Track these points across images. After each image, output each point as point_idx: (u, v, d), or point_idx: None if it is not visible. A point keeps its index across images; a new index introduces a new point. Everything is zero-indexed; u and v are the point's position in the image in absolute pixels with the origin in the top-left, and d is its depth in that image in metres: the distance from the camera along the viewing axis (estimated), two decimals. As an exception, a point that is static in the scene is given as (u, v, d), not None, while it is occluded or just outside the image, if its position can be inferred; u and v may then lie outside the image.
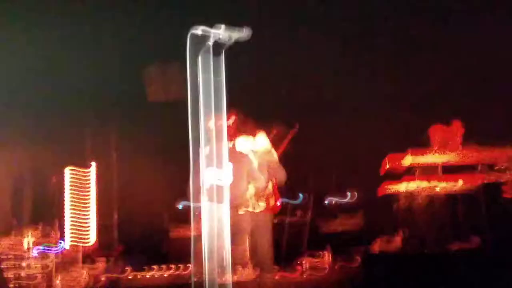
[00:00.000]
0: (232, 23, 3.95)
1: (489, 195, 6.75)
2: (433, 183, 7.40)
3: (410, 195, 7.45)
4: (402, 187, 7.45)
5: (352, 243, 7.90)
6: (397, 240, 7.53)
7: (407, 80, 8.85)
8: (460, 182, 7.29)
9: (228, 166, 4.52)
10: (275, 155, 5.75)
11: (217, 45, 3.79)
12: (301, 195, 8.43)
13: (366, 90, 8.88)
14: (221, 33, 3.80)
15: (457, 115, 7.85)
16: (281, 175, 5.69)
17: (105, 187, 8.34)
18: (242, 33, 3.86)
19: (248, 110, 6.09)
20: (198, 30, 3.81)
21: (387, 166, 7.51)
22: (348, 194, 8.84)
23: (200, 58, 3.79)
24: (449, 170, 7.56)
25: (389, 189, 7.51)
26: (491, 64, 8.38)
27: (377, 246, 7.61)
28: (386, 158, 7.53)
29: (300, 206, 8.34)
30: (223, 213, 4.04)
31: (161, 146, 8.45)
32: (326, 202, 8.84)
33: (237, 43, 3.89)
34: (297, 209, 8.29)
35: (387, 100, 8.79)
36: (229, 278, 3.94)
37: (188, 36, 3.82)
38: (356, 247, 7.68)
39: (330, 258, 7.38)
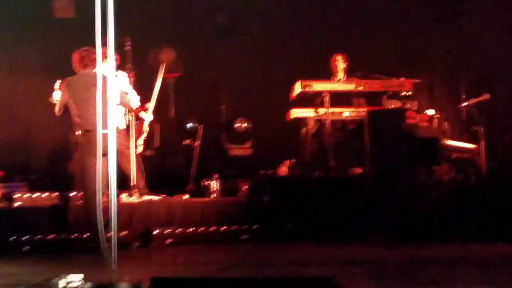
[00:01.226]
0: None
1: (393, 120, 6.94)
2: (340, 110, 7.76)
3: (318, 120, 7.75)
4: (311, 112, 7.74)
5: (252, 167, 8.19)
6: (297, 164, 7.83)
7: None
8: (364, 109, 7.60)
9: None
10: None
11: None
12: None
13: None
14: None
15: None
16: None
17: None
18: None
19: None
20: None
21: (297, 92, 7.71)
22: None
23: None
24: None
25: (297, 114, 7.82)
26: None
27: (279, 170, 7.89)
28: (296, 84, 7.73)
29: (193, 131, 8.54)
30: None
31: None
32: (236, 126, 8.90)
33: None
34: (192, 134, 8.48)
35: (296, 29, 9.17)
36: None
37: None
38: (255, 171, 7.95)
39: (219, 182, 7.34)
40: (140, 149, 6.86)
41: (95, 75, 4.89)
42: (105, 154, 3.87)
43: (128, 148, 6.28)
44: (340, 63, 8.08)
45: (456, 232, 6.10)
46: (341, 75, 8.11)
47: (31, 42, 8.55)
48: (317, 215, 6.63)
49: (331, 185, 7.06)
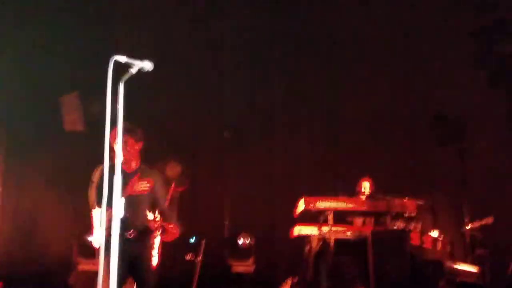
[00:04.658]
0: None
1: (396, 241, 6.98)
2: (344, 228, 7.70)
3: (321, 238, 7.64)
4: (314, 230, 7.67)
5: (255, 285, 8.16)
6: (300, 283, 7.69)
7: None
8: (370, 228, 7.57)
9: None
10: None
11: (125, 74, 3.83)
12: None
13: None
14: (144, 63, 3.88)
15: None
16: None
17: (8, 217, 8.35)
18: (148, 65, 3.94)
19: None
20: (122, 58, 3.84)
21: (300, 209, 7.69)
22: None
23: (121, 86, 3.83)
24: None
25: (300, 231, 7.77)
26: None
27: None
28: (300, 201, 7.72)
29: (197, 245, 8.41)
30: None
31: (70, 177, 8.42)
32: (239, 242, 8.77)
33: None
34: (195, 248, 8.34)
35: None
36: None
37: (111, 63, 3.78)
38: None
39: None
40: (155, 261, 6.72)
41: None
42: None
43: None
44: (366, 189, 8.17)
45: None
46: (363, 197, 8.18)
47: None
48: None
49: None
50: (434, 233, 7.59)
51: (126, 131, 4.68)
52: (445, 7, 8.66)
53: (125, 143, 5.05)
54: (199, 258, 8.16)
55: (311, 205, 7.59)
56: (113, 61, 3.80)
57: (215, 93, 9.44)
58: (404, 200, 7.83)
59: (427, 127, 8.97)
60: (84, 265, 8.02)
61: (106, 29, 8.84)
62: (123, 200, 4.04)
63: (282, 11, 9.46)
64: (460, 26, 8.43)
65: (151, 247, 5.67)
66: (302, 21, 9.32)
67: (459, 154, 8.58)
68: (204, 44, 9.29)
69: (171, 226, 5.52)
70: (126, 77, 3.87)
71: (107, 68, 3.76)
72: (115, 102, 3.81)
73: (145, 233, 5.39)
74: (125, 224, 4.39)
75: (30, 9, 8.59)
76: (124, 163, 4.84)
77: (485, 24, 8.01)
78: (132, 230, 5.21)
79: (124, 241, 4.45)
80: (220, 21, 9.36)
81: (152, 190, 5.40)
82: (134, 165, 5.39)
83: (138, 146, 5.41)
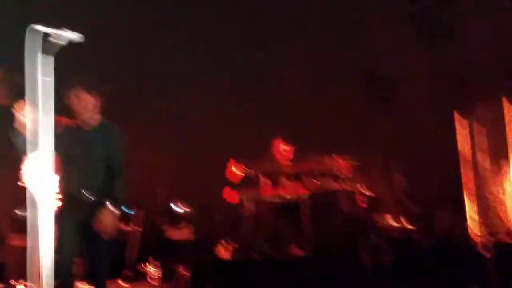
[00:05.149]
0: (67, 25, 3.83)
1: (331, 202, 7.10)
2: (276, 191, 7.78)
3: (255, 201, 7.75)
4: (244, 194, 7.77)
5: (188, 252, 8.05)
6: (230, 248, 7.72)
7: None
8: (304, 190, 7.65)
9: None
10: None
11: (50, 46, 3.64)
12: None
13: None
14: (60, 33, 3.67)
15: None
16: None
17: None
18: (77, 36, 3.75)
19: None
20: (37, 28, 3.62)
21: (233, 173, 7.77)
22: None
23: (39, 58, 3.62)
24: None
25: (231, 195, 7.85)
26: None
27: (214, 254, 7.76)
28: (228, 164, 7.81)
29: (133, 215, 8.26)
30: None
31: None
32: (176, 209, 8.65)
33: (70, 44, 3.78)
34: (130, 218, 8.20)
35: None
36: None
37: (26, 34, 3.58)
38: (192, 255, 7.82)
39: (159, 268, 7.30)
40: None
41: None
42: None
43: None
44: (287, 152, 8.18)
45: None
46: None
47: None
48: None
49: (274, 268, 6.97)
50: (367, 192, 7.71)
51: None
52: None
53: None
54: (139, 229, 8.06)
55: (244, 169, 7.67)
56: (30, 31, 3.57)
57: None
58: (339, 161, 7.94)
59: (357, 87, 9.04)
60: (15, 241, 7.82)
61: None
62: None
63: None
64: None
65: None
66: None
67: (389, 112, 8.71)
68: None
69: None
70: (55, 49, 3.65)
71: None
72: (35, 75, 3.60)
73: None
74: None
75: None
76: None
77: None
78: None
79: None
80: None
81: None
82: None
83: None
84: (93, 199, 4.87)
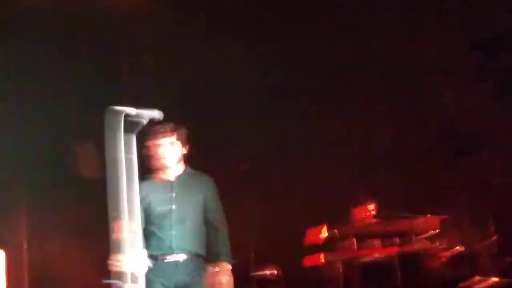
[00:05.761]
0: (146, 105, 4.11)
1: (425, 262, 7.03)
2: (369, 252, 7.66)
3: (347, 264, 7.66)
4: (339, 256, 7.68)
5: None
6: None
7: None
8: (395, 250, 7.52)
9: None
10: None
11: (131, 124, 3.87)
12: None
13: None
14: (140, 112, 3.94)
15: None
16: None
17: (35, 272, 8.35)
18: (157, 114, 4.05)
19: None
20: (116, 108, 3.88)
21: (323, 236, 7.75)
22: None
23: (120, 137, 3.84)
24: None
25: (312, 261, 7.82)
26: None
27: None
28: (322, 228, 7.77)
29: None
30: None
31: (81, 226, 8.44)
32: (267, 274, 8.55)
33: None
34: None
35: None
36: None
37: (106, 114, 3.84)
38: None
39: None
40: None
41: None
42: None
43: None
44: (371, 211, 8.11)
45: None
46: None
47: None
48: None
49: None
50: (460, 249, 7.48)
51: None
52: (443, 20, 8.63)
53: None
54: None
55: (334, 231, 7.63)
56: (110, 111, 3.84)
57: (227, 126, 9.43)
58: (427, 217, 7.78)
59: (438, 144, 8.89)
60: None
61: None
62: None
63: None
64: (461, 39, 8.39)
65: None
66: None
67: (475, 166, 8.49)
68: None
69: None
70: (138, 129, 3.93)
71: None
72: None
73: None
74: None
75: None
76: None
77: (485, 36, 7.95)
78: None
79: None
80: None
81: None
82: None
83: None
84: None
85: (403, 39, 8.81)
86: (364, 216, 8.09)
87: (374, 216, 8.05)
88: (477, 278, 7.12)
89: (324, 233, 7.77)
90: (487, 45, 7.81)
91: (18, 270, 8.27)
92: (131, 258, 4.04)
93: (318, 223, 8.00)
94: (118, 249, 3.98)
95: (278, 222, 9.05)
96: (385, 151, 9.01)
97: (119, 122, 3.82)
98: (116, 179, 3.85)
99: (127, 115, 3.89)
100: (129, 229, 3.96)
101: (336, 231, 7.66)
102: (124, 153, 3.84)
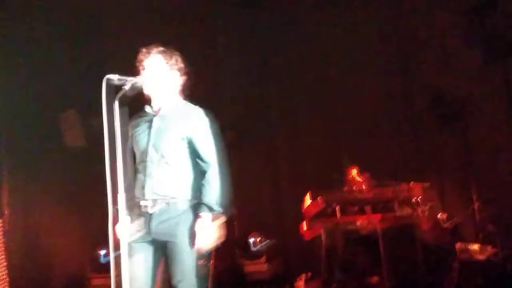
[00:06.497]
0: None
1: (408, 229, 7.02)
2: (352, 219, 7.66)
3: (331, 232, 7.67)
4: (321, 226, 7.66)
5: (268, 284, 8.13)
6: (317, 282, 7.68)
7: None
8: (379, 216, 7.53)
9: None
10: None
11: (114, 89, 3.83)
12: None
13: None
14: (119, 77, 3.86)
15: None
16: None
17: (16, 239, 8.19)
18: (139, 80, 3.99)
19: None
20: (114, 77, 3.84)
21: (307, 204, 7.70)
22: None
23: (116, 105, 3.81)
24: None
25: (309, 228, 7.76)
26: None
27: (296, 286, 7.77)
28: (306, 196, 7.73)
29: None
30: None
31: (76, 193, 8.47)
32: (251, 241, 8.63)
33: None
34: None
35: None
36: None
37: (103, 83, 3.79)
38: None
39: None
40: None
41: None
42: None
43: None
44: (356, 176, 8.13)
45: None
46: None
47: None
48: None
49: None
50: (442, 216, 7.55)
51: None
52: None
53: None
54: (212, 262, 8.08)
55: (318, 199, 7.64)
56: (105, 80, 3.82)
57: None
58: (410, 184, 7.82)
59: (424, 111, 8.89)
60: (97, 281, 8.01)
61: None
62: None
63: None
64: (450, 4, 8.33)
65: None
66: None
67: (461, 133, 8.51)
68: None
69: None
70: (120, 94, 3.86)
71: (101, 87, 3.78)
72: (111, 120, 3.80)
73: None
74: None
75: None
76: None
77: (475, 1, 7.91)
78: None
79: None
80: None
81: None
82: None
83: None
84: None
85: (392, 5, 8.79)
86: (348, 183, 8.12)
87: (358, 184, 8.07)
88: (459, 245, 7.18)
89: (308, 201, 7.77)
90: (476, 10, 7.75)
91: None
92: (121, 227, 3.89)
93: (302, 190, 7.97)
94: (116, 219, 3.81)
95: (262, 190, 9.08)
96: (371, 119, 9.05)
97: (103, 87, 3.79)
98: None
99: (109, 79, 3.83)
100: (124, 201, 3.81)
101: (319, 198, 7.63)
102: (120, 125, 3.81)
